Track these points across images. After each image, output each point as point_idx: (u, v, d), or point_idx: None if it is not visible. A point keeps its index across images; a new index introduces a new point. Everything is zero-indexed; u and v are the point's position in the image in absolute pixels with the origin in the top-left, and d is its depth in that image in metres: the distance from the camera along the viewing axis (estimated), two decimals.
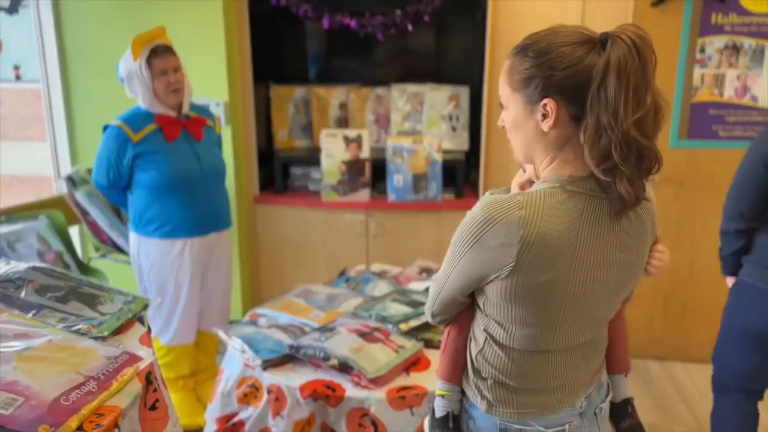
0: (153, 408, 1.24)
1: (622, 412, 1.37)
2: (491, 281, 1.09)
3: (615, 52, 0.99)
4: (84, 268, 2.98)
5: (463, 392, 1.27)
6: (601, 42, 1.03)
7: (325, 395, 1.81)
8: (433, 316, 1.27)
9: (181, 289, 2.52)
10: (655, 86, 1.03)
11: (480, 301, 1.17)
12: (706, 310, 3.21)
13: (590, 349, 1.22)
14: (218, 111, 3.12)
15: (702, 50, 2.95)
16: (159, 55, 2.35)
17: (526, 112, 1.09)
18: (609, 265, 1.10)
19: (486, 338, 1.18)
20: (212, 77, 3.12)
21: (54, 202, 3.01)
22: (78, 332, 1.36)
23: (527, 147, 1.14)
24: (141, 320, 1.61)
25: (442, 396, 1.28)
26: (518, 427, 1.18)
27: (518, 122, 1.12)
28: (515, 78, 1.09)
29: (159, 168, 2.39)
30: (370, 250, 3.36)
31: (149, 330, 2.66)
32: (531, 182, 1.25)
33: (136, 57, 2.33)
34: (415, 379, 1.88)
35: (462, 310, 1.25)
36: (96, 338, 1.35)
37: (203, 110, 2.62)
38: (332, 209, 3.34)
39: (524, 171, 1.31)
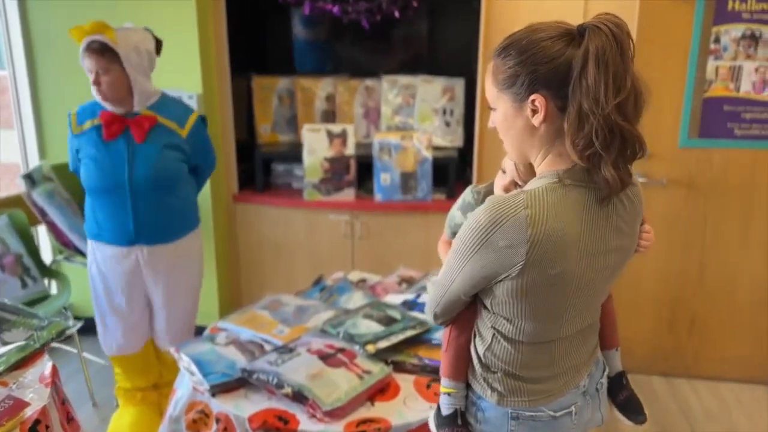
0: None
1: (617, 385, 1.40)
2: (500, 281, 1.09)
3: (593, 42, 1.01)
4: (46, 271, 2.81)
5: (468, 386, 1.27)
6: (579, 33, 1.04)
7: (276, 428, 1.61)
8: (435, 317, 1.26)
9: (111, 296, 2.32)
10: (635, 71, 1.03)
11: (486, 301, 1.17)
12: (716, 323, 2.98)
13: (588, 332, 1.26)
14: (191, 104, 2.90)
15: (716, 40, 2.69)
16: (87, 54, 2.10)
17: (514, 110, 1.10)
18: (608, 251, 1.13)
19: (494, 335, 1.19)
20: (184, 67, 2.91)
21: (18, 201, 2.83)
22: None
23: (520, 145, 1.14)
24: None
25: (448, 394, 1.27)
26: (529, 413, 1.21)
27: (508, 121, 1.13)
28: (500, 78, 1.10)
29: (87, 168, 2.19)
30: (354, 253, 3.15)
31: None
32: (515, 183, 1.26)
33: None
34: (379, 410, 1.68)
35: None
36: None
37: (167, 107, 2.26)
38: (315, 209, 3.13)
39: (503, 172, 1.29)
